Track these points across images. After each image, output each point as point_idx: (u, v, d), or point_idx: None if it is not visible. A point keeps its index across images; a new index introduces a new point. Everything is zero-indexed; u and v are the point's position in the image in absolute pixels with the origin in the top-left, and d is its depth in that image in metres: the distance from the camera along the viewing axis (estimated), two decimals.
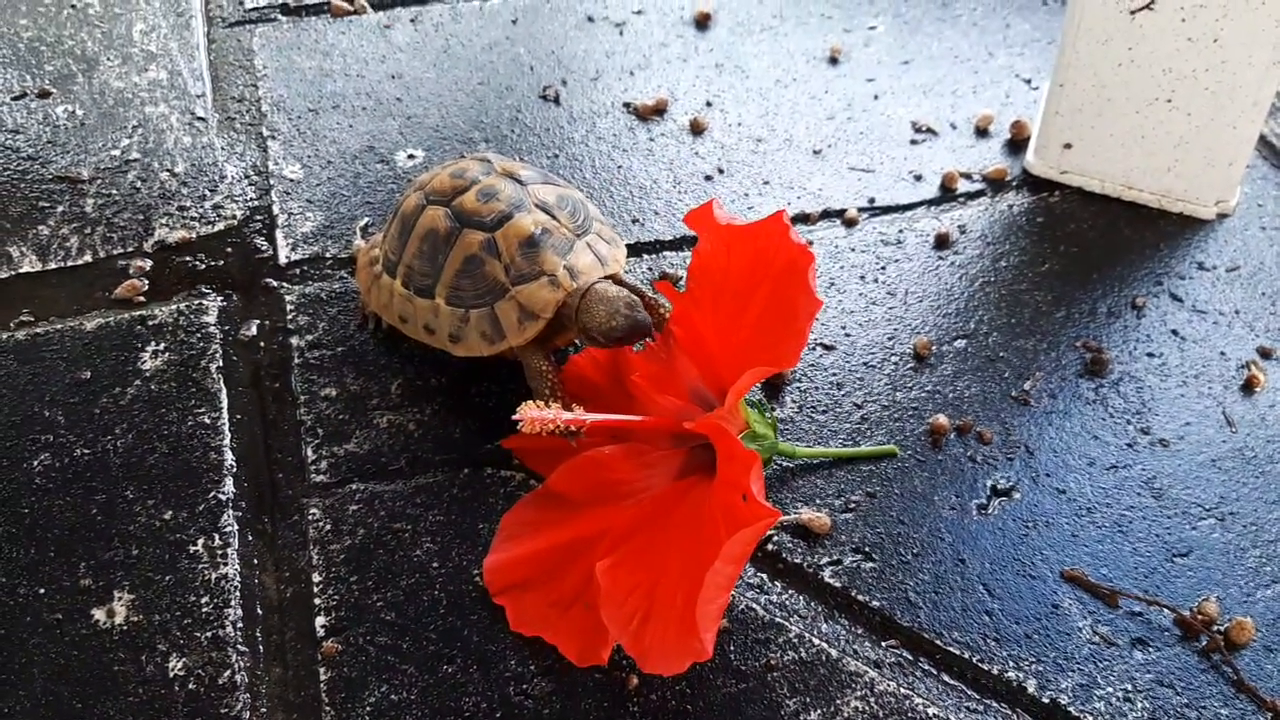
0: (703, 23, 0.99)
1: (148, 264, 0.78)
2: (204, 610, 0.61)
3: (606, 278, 0.66)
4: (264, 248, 0.80)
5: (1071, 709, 0.57)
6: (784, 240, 0.58)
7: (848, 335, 0.74)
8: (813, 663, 0.59)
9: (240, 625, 0.60)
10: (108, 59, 0.95)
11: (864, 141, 0.88)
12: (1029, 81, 0.93)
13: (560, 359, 0.70)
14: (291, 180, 0.84)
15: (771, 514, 0.52)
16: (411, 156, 0.86)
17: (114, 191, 0.83)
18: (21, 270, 0.78)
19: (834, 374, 0.72)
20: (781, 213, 0.58)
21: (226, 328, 0.74)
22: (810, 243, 0.80)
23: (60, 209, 0.82)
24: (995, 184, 0.85)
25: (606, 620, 0.55)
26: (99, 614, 0.61)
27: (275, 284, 0.77)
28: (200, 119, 0.89)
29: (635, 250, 0.80)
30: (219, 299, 0.76)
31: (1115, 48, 0.77)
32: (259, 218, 0.82)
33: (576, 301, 0.64)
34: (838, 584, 0.62)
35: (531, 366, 0.66)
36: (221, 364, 0.72)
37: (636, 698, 0.57)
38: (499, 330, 0.65)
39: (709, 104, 0.91)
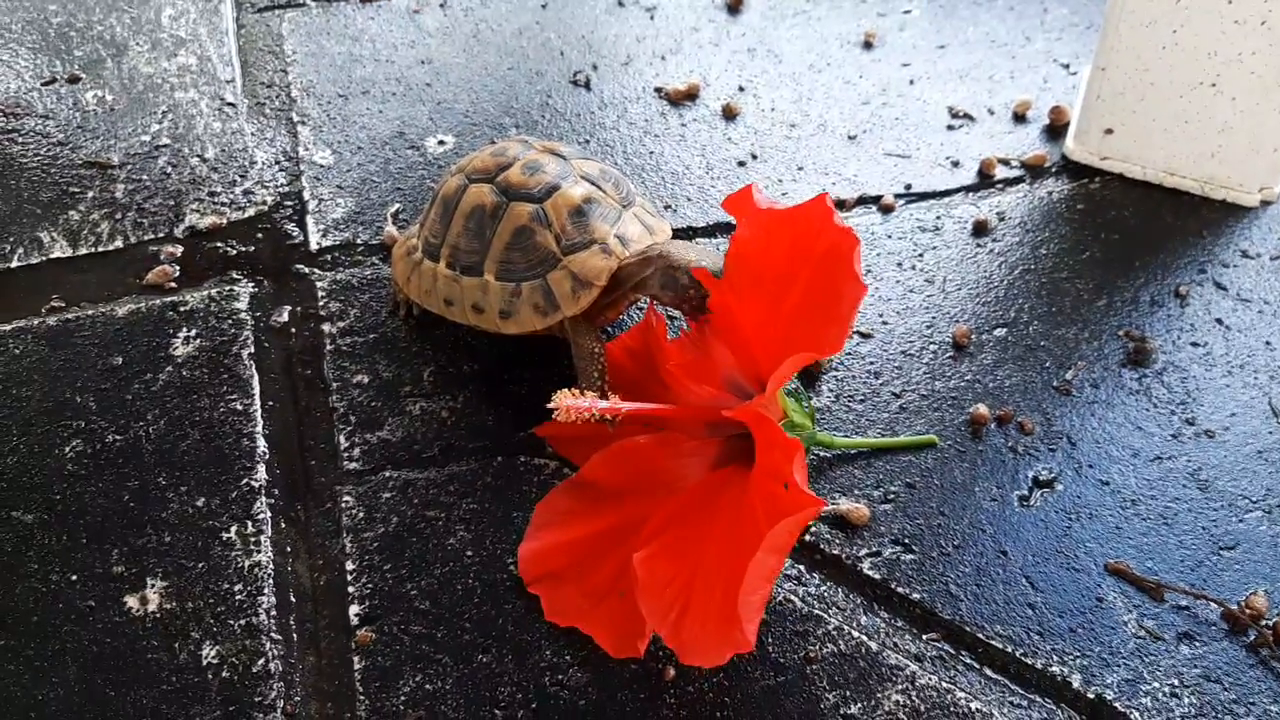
0: (735, 7, 0.98)
1: (179, 250, 0.78)
2: (237, 598, 0.60)
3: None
4: (295, 234, 0.79)
5: (1117, 704, 0.56)
6: (827, 224, 0.57)
7: (885, 323, 0.73)
8: (852, 655, 0.58)
9: (274, 613, 0.60)
10: (137, 44, 0.94)
11: (900, 127, 0.87)
12: (1067, 66, 0.92)
13: None
14: (322, 166, 0.84)
15: (815, 502, 0.51)
16: (442, 142, 0.86)
17: (144, 177, 0.83)
18: (53, 256, 0.78)
19: (872, 363, 0.71)
20: (824, 195, 0.57)
21: (258, 314, 0.74)
22: None
23: (91, 194, 0.82)
24: (1034, 170, 0.84)
25: (644, 611, 0.54)
26: (132, 601, 0.60)
27: (306, 270, 0.77)
28: (230, 104, 0.89)
29: None
30: (250, 285, 0.76)
31: (1159, 30, 0.76)
32: (290, 204, 0.81)
33: (635, 274, 0.64)
34: (877, 576, 0.61)
35: (582, 347, 0.65)
36: (253, 350, 0.72)
37: (673, 689, 0.57)
38: (552, 301, 0.64)
39: (741, 89, 0.90)
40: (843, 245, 0.55)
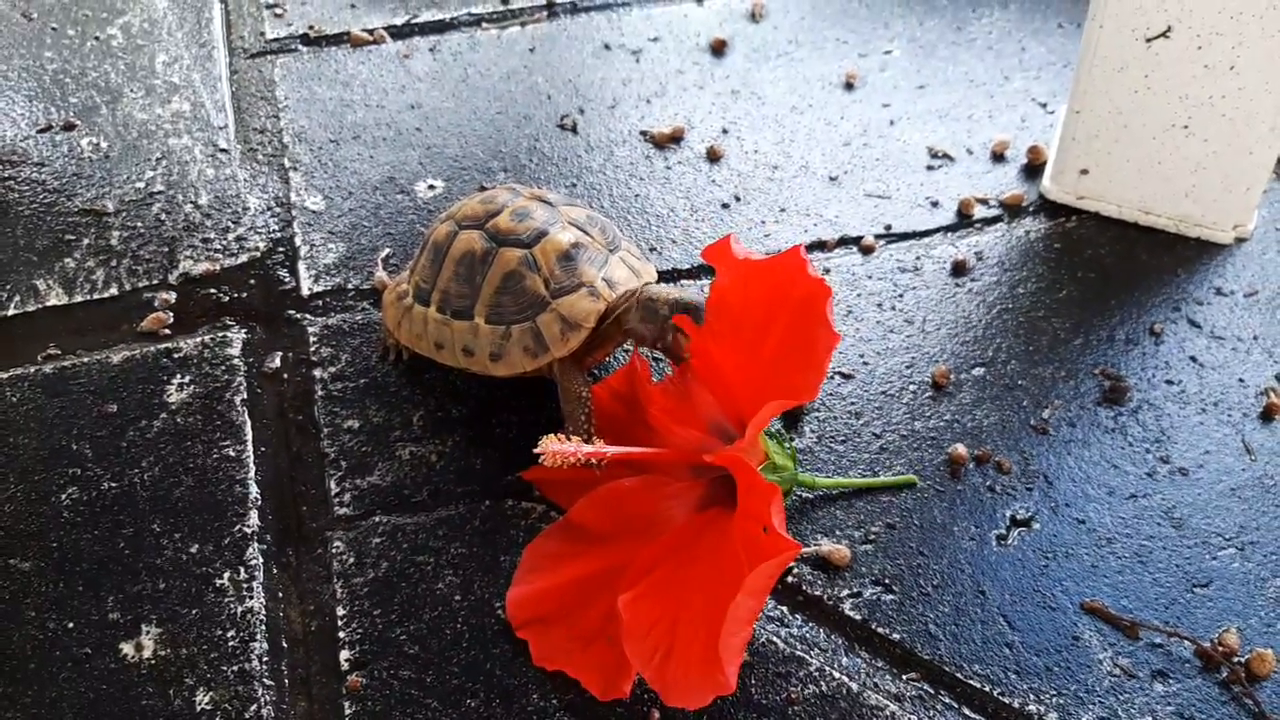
0: (719, 50, 1.00)
1: (173, 296, 0.79)
2: (230, 644, 0.61)
3: None
4: (287, 279, 0.80)
5: None
6: (801, 274, 0.58)
7: (866, 364, 0.75)
8: (833, 696, 0.59)
9: (266, 659, 0.61)
10: (131, 91, 0.96)
11: (880, 168, 0.89)
12: (1045, 105, 0.93)
13: None
14: (313, 212, 0.85)
15: (793, 547, 0.52)
16: (431, 187, 0.87)
17: (139, 224, 0.85)
18: (48, 303, 0.79)
19: (852, 403, 0.72)
20: (799, 247, 0.59)
21: (250, 360, 0.75)
22: (827, 270, 0.81)
23: (86, 242, 0.83)
24: (1012, 210, 0.85)
25: (629, 654, 0.56)
26: (127, 648, 0.61)
27: (298, 316, 0.78)
28: (223, 150, 0.91)
29: None
30: (243, 331, 0.77)
31: (1131, 75, 0.78)
32: (281, 249, 0.83)
33: (618, 312, 0.66)
34: (858, 616, 0.62)
35: (569, 391, 0.66)
36: (246, 396, 0.73)
37: None
38: (542, 343, 0.66)
39: (725, 131, 0.92)
40: (817, 295, 0.57)
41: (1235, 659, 0.60)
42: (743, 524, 0.56)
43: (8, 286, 0.80)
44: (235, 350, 0.76)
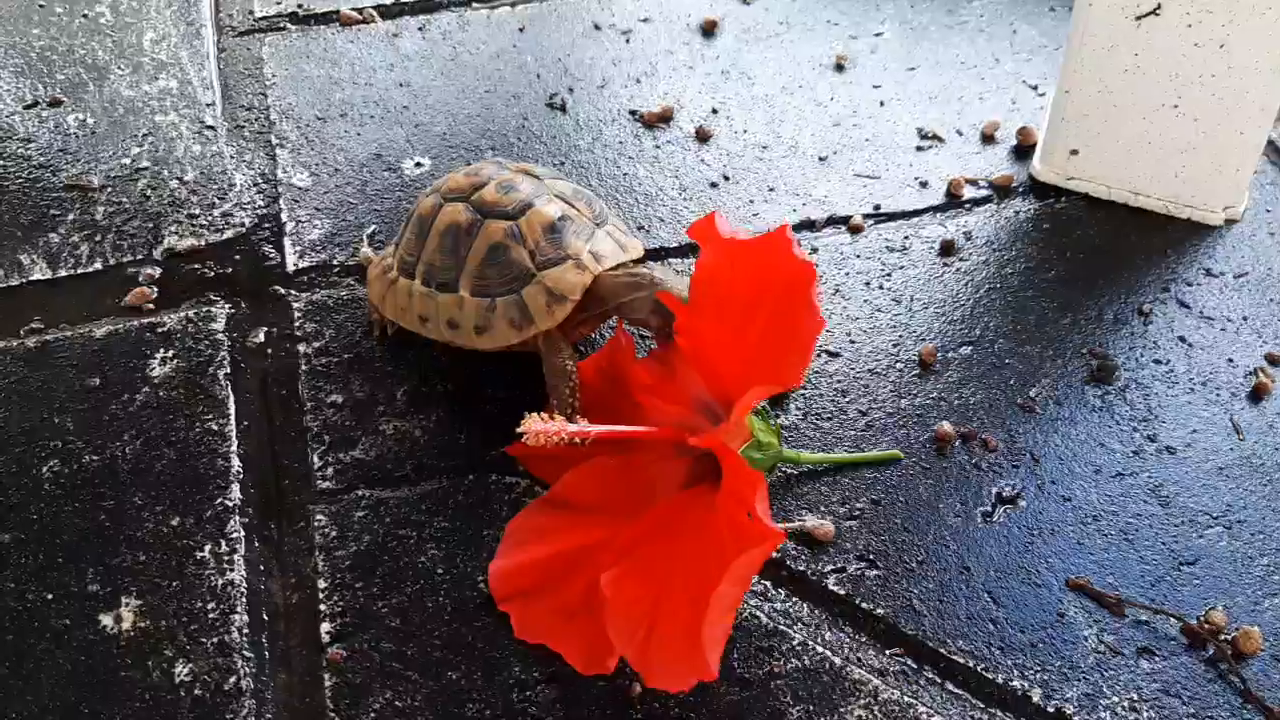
0: (709, 30, 0.99)
1: (157, 271, 0.79)
2: (210, 616, 0.61)
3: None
4: (272, 255, 0.80)
5: (1077, 718, 0.57)
6: (787, 256, 0.58)
7: (853, 342, 0.74)
8: (816, 671, 0.59)
9: (246, 631, 0.60)
10: (118, 68, 0.95)
11: (870, 148, 0.88)
12: (1035, 88, 0.93)
13: None
14: (300, 188, 0.85)
15: (776, 536, 0.52)
16: (419, 165, 0.87)
17: (124, 199, 0.84)
18: (32, 277, 0.79)
19: (839, 381, 0.72)
20: (784, 227, 0.58)
21: (235, 335, 0.75)
22: (815, 250, 0.80)
23: (71, 217, 0.83)
24: (1001, 190, 0.85)
25: (611, 633, 0.55)
26: (106, 620, 0.61)
27: (283, 291, 0.78)
28: (210, 127, 0.90)
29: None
30: (227, 306, 0.77)
31: (1121, 54, 0.77)
32: (267, 225, 0.82)
33: (615, 289, 0.66)
34: (842, 591, 0.62)
35: (554, 365, 0.66)
36: (229, 371, 0.73)
37: (639, 705, 0.57)
38: (527, 316, 0.65)
39: (715, 111, 0.91)
40: (801, 278, 0.56)
41: (1222, 636, 0.60)
42: (726, 505, 0.55)
43: None
44: (219, 325, 0.75)
